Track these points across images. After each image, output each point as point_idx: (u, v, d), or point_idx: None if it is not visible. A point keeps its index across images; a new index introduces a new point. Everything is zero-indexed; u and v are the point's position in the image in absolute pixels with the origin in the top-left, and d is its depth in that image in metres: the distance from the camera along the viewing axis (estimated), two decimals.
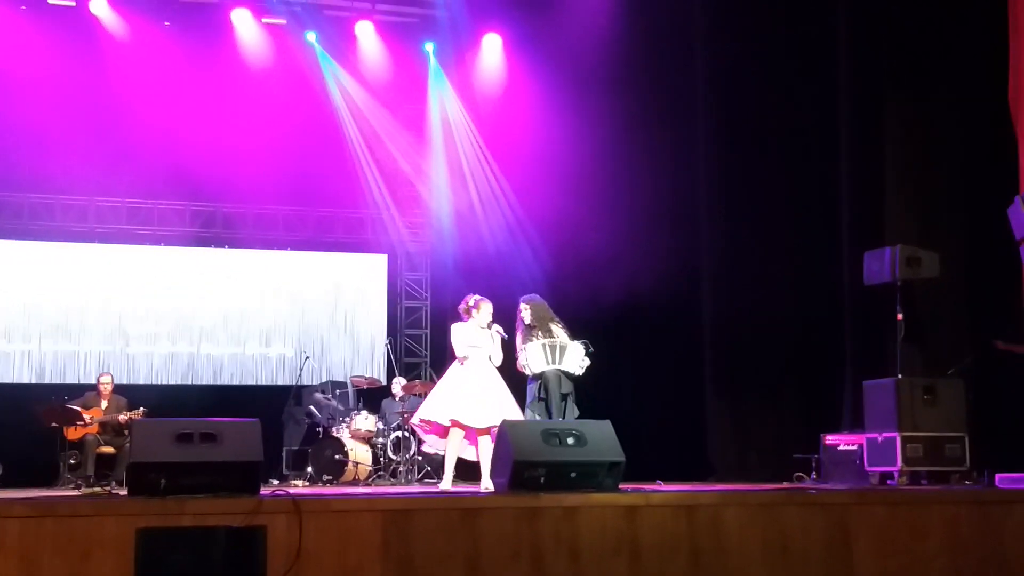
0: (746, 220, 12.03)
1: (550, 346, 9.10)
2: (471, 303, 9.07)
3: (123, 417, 11.19)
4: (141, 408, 11.25)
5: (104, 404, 11.52)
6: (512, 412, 8.64)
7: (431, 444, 9.18)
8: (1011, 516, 6.55)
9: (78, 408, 11.27)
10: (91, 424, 11.22)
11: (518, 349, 9.30)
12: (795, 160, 11.81)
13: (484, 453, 8.53)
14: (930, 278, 9.27)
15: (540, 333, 9.25)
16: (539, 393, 9.15)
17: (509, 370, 9.34)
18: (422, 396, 13.57)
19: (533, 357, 9.08)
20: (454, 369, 8.94)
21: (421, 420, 8.87)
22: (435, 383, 13.33)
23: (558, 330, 9.30)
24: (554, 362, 9.10)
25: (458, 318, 9.14)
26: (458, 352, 8.91)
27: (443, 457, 8.99)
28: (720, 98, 12.27)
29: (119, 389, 11.90)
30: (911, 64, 10.69)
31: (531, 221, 13.53)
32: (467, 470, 12.67)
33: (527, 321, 9.31)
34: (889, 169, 10.72)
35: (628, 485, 6.92)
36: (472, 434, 8.76)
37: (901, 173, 10.69)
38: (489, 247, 13.82)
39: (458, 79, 14.30)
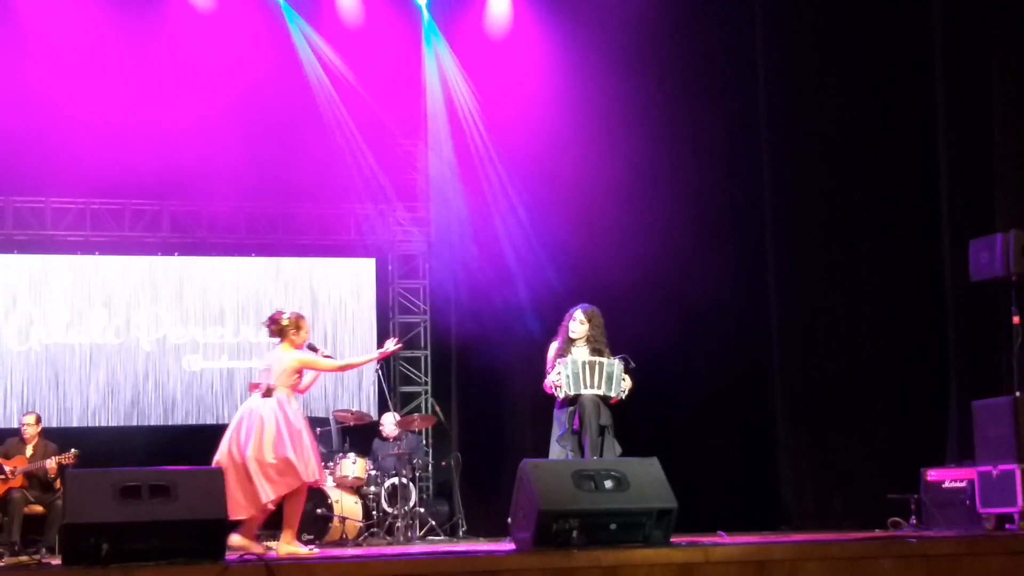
0: (820, 207, 12.05)
1: (588, 364, 9.08)
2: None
3: (51, 463, 11.20)
4: (72, 450, 11.28)
5: (29, 451, 11.55)
6: None
7: None
8: None
9: None
10: (14, 476, 11.26)
11: (549, 364, 9.31)
12: (880, 127, 11.83)
13: None
14: None
15: (581, 349, 9.23)
16: (570, 423, 9.12)
17: (534, 395, 9.36)
18: (421, 433, 13.67)
19: (567, 375, 9.05)
20: None
21: None
22: (437, 416, 13.51)
23: (605, 351, 9.30)
24: (592, 384, 9.07)
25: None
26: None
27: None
28: (782, 52, 12.32)
29: (48, 434, 11.95)
30: None
31: (556, 216, 13.52)
32: (485, 522, 12.74)
33: (574, 335, 9.27)
34: (999, 135, 10.71)
35: (682, 538, 6.92)
36: None
37: (1015, 139, 10.68)
38: (504, 248, 13.84)
39: (459, 38, 14.31)
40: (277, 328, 8.95)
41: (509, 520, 7.16)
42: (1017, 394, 8.88)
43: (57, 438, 11.93)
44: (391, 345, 9.63)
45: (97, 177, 13.68)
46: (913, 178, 11.69)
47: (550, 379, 9.18)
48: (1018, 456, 8.64)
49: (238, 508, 8.27)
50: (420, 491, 12.68)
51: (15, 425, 12.71)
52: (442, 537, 12.42)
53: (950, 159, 11.16)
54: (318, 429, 13.10)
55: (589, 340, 9.24)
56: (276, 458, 8.50)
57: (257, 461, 8.47)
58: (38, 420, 11.82)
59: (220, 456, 8.64)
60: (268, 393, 8.73)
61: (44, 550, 10.35)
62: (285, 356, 8.86)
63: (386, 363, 14.70)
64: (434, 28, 14.39)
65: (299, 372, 8.88)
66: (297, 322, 8.95)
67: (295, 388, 8.88)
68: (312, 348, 9.14)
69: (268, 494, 8.45)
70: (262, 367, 9.15)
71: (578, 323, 9.24)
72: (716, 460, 12.39)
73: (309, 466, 8.59)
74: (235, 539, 8.26)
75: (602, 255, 12.78)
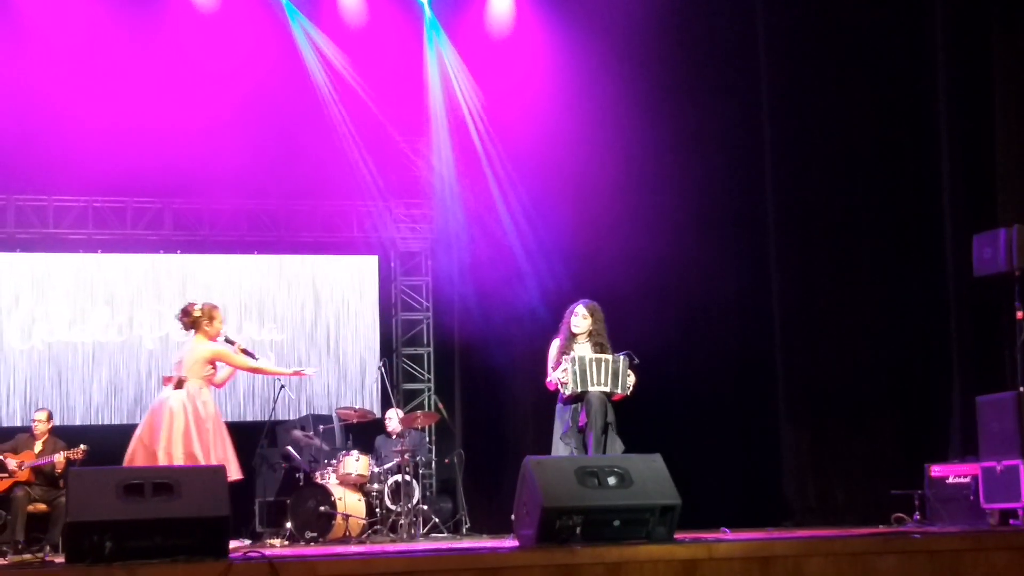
0: (823, 203, 12.05)
1: (594, 361, 9.07)
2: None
3: (59, 458, 11.17)
4: (82, 446, 11.27)
5: (38, 447, 11.52)
6: None
7: None
8: None
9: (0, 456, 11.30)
10: (21, 470, 11.24)
11: (551, 361, 9.30)
12: (882, 122, 11.82)
13: None
14: None
15: (583, 345, 9.23)
16: (574, 420, 9.10)
17: (537, 392, 9.32)
18: (424, 430, 13.66)
19: (573, 372, 9.03)
20: None
21: None
22: (440, 414, 13.50)
23: (607, 346, 9.30)
24: (599, 381, 9.06)
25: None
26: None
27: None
28: (784, 50, 12.32)
29: (53, 432, 11.92)
30: None
31: (559, 213, 13.50)
32: (488, 519, 12.74)
33: (577, 330, 9.28)
34: (1001, 129, 10.69)
35: (685, 534, 6.91)
36: None
37: (1017, 133, 10.66)
38: (507, 245, 13.83)
39: (462, 35, 14.31)
40: (190, 320, 8.87)
41: (512, 517, 7.16)
42: (1021, 389, 8.86)
43: (61, 436, 11.92)
44: (309, 371, 9.99)
45: (99, 175, 13.70)
46: (915, 173, 11.67)
47: (555, 376, 9.17)
48: (1022, 451, 8.63)
49: None
50: (423, 488, 12.68)
51: (18, 423, 12.75)
52: (445, 534, 12.43)
53: (952, 154, 11.14)
54: (321, 427, 13.19)
55: (591, 335, 9.25)
56: (184, 452, 8.39)
57: (167, 454, 8.36)
58: (49, 417, 11.80)
59: (130, 451, 8.53)
60: (179, 385, 8.64)
61: (48, 548, 10.36)
62: (198, 347, 8.78)
63: (389, 360, 14.73)
64: (436, 26, 14.38)
65: (212, 364, 8.79)
66: (210, 313, 8.88)
67: (209, 381, 8.79)
68: (229, 341, 9.05)
69: None
70: (175, 360, 9.01)
71: (580, 318, 9.25)
72: (719, 456, 12.38)
73: (211, 460, 8.44)
74: None
75: (604, 252, 12.76)
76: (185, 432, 8.47)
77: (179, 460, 8.35)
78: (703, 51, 12.92)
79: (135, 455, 8.53)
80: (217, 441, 8.63)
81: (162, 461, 8.32)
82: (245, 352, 9.16)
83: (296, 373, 9.93)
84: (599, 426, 9.00)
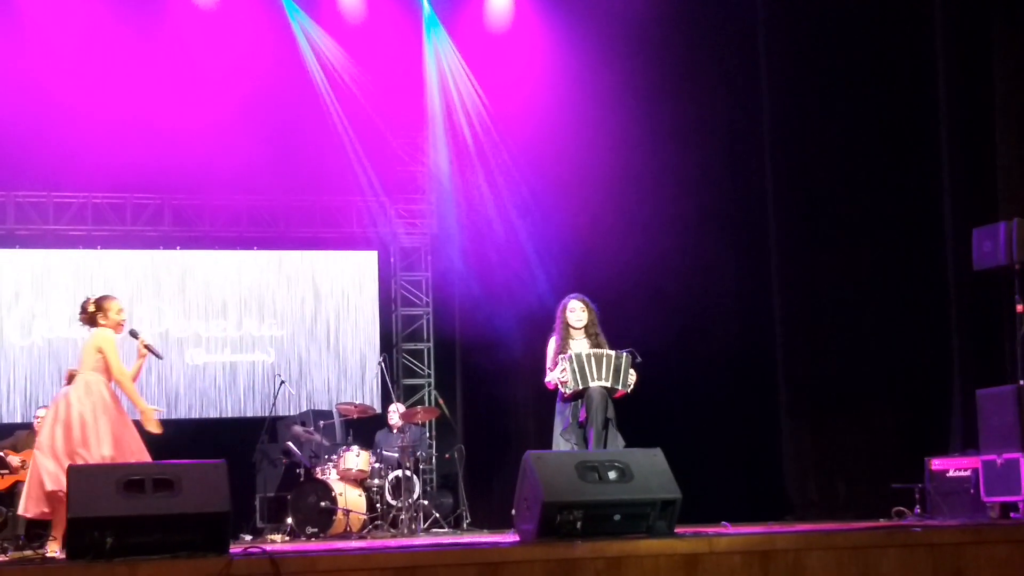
0: (822, 196, 12.05)
1: (595, 357, 9.03)
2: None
3: None
4: None
5: None
6: None
7: None
8: None
9: (1, 453, 11.30)
10: (24, 469, 11.24)
11: (549, 359, 9.27)
12: (881, 115, 11.81)
13: None
14: None
15: (580, 340, 9.21)
16: (574, 416, 9.08)
17: (537, 387, 9.31)
18: (425, 426, 13.66)
19: (572, 370, 9.00)
20: None
21: None
22: (441, 409, 13.50)
23: (602, 339, 9.29)
24: (599, 377, 9.02)
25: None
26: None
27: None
28: (784, 45, 12.31)
29: None
30: None
31: (556, 206, 13.51)
32: (489, 514, 12.75)
33: (579, 324, 9.26)
34: (1000, 120, 10.68)
35: (686, 528, 6.91)
36: None
37: (1016, 127, 10.65)
38: (507, 240, 13.82)
39: (461, 31, 14.31)
40: (86, 316, 8.56)
41: (513, 512, 7.15)
42: (1021, 382, 8.86)
43: None
44: (156, 429, 8.78)
45: (99, 171, 13.71)
46: (916, 168, 11.67)
47: (554, 376, 9.11)
48: (1022, 444, 8.63)
49: (38, 503, 7.93)
50: (424, 484, 12.69)
51: (18, 419, 12.74)
52: (446, 529, 12.43)
53: (952, 148, 11.13)
54: (322, 422, 13.18)
55: (587, 328, 9.23)
56: (65, 450, 7.99)
57: (50, 449, 8.01)
58: None
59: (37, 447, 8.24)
60: (70, 380, 8.38)
61: (49, 545, 10.35)
62: (88, 337, 8.46)
63: (389, 355, 14.76)
64: (435, 21, 14.39)
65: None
66: (101, 304, 8.54)
67: (108, 373, 8.41)
68: (133, 334, 8.75)
69: (49, 483, 7.83)
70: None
71: (579, 312, 9.23)
72: (720, 451, 12.39)
73: (98, 456, 7.99)
74: (53, 547, 7.77)
75: (604, 246, 12.77)
76: (77, 425, 8.08)
77: (63, 458, 7.89)
78: (703, 47, 12.93)
79: (34, 454, 8.24)
80: (104, 437, 8.13)
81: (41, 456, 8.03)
82: (148, 348, 8.78)
83: (148, 416, 8.87)
84: (599, 421, 8.97)
